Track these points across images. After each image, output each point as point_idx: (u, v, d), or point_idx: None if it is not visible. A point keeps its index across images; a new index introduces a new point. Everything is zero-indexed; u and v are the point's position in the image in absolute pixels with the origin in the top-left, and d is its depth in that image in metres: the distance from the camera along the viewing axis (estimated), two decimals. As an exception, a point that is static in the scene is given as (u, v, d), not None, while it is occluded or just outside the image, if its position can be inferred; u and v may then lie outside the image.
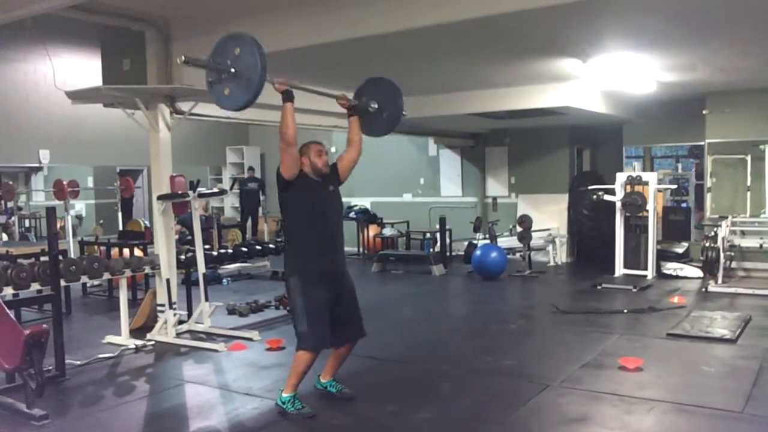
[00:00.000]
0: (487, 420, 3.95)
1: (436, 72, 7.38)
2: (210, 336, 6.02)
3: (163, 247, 6.11)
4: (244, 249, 7.74)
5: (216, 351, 5.54)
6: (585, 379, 4.65)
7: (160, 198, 6.18)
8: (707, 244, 8.35)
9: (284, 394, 4.01)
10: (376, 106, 4.30)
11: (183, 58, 3.41)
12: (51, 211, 5.14)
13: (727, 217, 8.60)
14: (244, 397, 4.41)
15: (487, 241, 9.82)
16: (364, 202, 12.27)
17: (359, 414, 4.10)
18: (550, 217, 10.88)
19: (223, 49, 3.56)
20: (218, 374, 5.03)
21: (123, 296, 5.89)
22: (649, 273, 8.92)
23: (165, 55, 6.25)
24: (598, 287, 8.25)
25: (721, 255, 8.08)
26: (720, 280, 8.05)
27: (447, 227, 10.53)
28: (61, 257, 5.23)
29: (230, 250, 7.65)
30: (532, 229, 9.75)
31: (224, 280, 9.01)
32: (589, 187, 9.91)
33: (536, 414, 4.09)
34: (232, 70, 3.49)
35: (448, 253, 10.54)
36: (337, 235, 4.13)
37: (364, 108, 4.29)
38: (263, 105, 7.64)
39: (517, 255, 9.94)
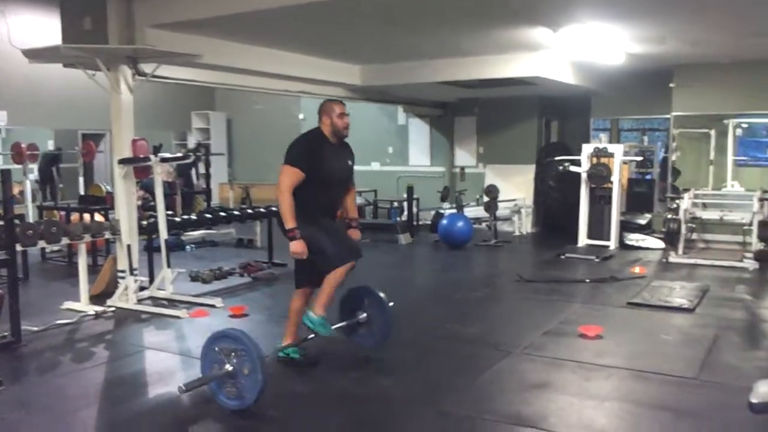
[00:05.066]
0: (449, 386, 3.97)
1: (406, 38, 7.29)
2: (172, 303, 5.93)
3: (124, 212, 5.99)
4: (209, 216, 7.62)
5: (178, 318, 5.47)
6: (546, 347, 4.71)
7: (121, 162, 6.04)
8: (669, 216, 8.48)
9: (315, 316, 4.01)
10: (364, 316, 4.35)
11: (182, 388, 3.40)
12: (6, 174, 4.96)
13: (689, 190, 8.74)
14: (206, 363, 4.36)
15: (454, 211, 9.85)
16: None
17: (323, 381, 4.10)
18: (517, 187, 10.94)
19: (211, 347, 3.55)
20: (179, 341, 4.97)
21: (82, 262, 5.76)
22: (612, 243, 9.06)
23: (127, 14, 6.07)
24: (562, 257, 8.36)
25: (683, 227, 8.24)
26: (680, 251, 8.21)
27: (414, 196, 10.52)
28: (17, 221, 5.08)
29: (194, 217, 7.52)
30: (499, 199, 9.80)
31: (187, 247, 8.89)
32: (556, 158, 9.97)
33: (498, 380, 4.14)
34: (229, 368, 3.46)
35: (415, 222, 10.55)
36: (337, 204, 4.25)
37: (351, 313, 4.40)
38: (229, 68, 7.60)
39: (483, 225, 10.00)
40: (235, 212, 7.84)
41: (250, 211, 7.94)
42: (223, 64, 7.30)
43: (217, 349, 3.53)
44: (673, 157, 9.97)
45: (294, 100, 12.37)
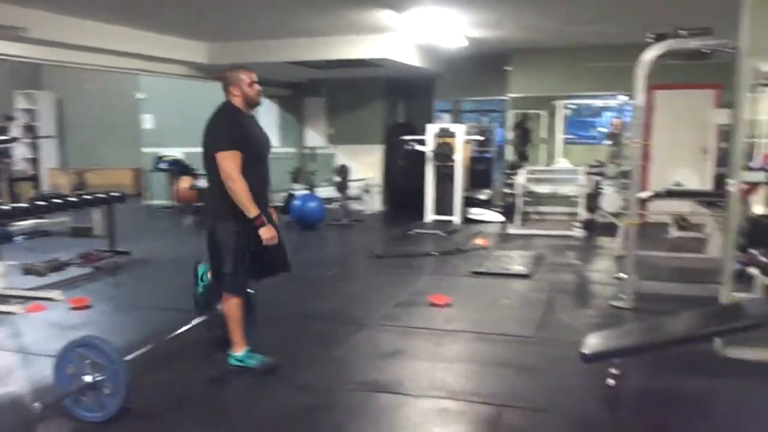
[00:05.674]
0: (306, 361, 4.03)
1: (250, 16, 7.14)
2: (4, 298, 5.46)
3: (-59, 201, 5.41)
4: (43, 203, 7.04)
5: (11, 313, 5.05)
6: (400, 317, 4.92)
7: (-66, 145, 5.43)
8: (507, 191, 9.10)
9: (237, 353, 3.79)
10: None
11: (38, 407, 3.11)
12: None
13: (522, 167, 9.41)
14: (48, 359, 4.04)
15: (306, 192, 9.87)
16: (176, 152, 11.65)
17: (186, 368, 4.00)
18: (367, 167, 11.15)
19: (71, 353, 3.28)
20: (15, 337, 4.59)
21: None
22: (457, 218, 9.55)
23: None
24: (411, 233, 8.69)
25: (519, 201, 8.87)
26: (518, 223, 8.84)
27: (265, 178, 10.37)
28: None
29: (24, 205, 6.92)
30: (350, 179, 9.95)
31: (16, 239, 8.16)
32: (403, 138, 10.29)
33: (355, 352, 4.26)
34: (88, 379, 3.22)
35: (267, 204, 10.43)
36: (268, 178, 3.90)
37: (211, 306, 4.18)
38: (59, 44, 7.04)
39: (335, 204, 10.12)
40: (72, 199, 7.31)
41: (88, 197, 7.44)
42: (52, 39, 6.76)
43: (77, 356, 3.26)
44: (510, 137, 10.63)
45: (131, 79, 11.69)
